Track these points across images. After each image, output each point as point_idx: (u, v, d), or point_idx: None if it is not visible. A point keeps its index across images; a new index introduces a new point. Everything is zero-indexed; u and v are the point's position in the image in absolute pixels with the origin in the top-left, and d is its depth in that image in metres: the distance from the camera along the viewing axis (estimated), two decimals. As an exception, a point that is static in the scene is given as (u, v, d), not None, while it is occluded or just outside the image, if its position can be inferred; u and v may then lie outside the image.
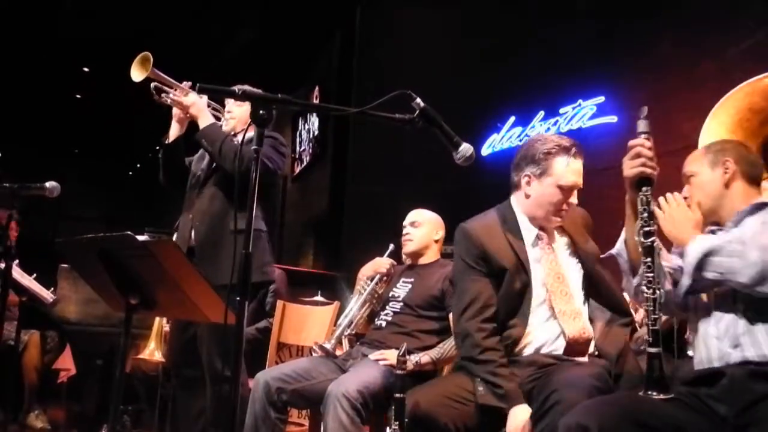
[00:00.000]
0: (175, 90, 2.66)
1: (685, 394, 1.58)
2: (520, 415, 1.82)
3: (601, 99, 4.63)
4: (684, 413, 1.50)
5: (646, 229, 1.54)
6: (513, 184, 2.16)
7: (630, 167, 1.59)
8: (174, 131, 2.74)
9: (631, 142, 1.61)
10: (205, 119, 2.64)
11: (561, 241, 2.14)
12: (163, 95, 2.67)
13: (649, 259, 1.53)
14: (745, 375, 1.52)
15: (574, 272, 2.09)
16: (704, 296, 1.70)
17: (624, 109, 4.44)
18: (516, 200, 2.15)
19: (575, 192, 2.08)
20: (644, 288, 1.53)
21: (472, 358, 1.95)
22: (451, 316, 2.54)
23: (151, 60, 2.56)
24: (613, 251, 1.82)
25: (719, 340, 1.62)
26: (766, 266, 1.48)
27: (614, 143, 4.08)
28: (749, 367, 1.53)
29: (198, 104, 2.64)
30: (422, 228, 2.77)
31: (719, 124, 2.29)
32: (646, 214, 1.55)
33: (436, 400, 1.90)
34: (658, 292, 1.52)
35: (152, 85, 2.64)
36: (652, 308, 1.52)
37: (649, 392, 1.47)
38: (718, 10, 3.77)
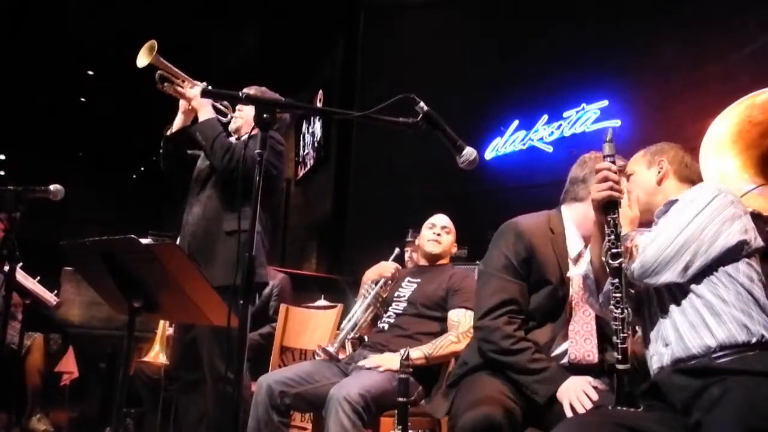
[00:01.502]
0: (181, 81, 2.64)
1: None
2: (574, 381, 1.78)
3: (605, 103, 4.63)
4: (659, 414, 1.54)
5: (614, 250, 1.59)
6: (570, 195, 2.11)
7: (598, 191, 1.63)
8: (178, 122, 2.70)
9: (598, 166, 1.66)
10: (205, 113, 2.62)
11: None
12: (166, 84, 2.64)
13: (616, 280, 1.58)
14: (669, 377, 1.57)
15: None
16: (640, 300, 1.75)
17: (628, 113, 4.44)
18: (569, 212, 2.09)
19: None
20: (612, 308, 1.58)
21: (505, 350, 1.88)
22: (450, 314, 2.56)
23: (156, 47, 2.54)
24: (581, 272, 1.83)
25: (654, 341, 1.68)
26: (657, 260, 1.57)
27: (618, 148, 4.05)
28: (673, 368, 1.59)
29: (200, 98, 2.59)
30: (450, 236, 2.82)
31: (722, 132, 2.30)
32: (613, 236, 1.59)
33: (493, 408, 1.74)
34: (625, 311, 1.57)
35: (157, 73, 2.61)
36: (620, 327, 1.56)
37: (619, 407, 1.52)
38: (719, 11, 3.77)
